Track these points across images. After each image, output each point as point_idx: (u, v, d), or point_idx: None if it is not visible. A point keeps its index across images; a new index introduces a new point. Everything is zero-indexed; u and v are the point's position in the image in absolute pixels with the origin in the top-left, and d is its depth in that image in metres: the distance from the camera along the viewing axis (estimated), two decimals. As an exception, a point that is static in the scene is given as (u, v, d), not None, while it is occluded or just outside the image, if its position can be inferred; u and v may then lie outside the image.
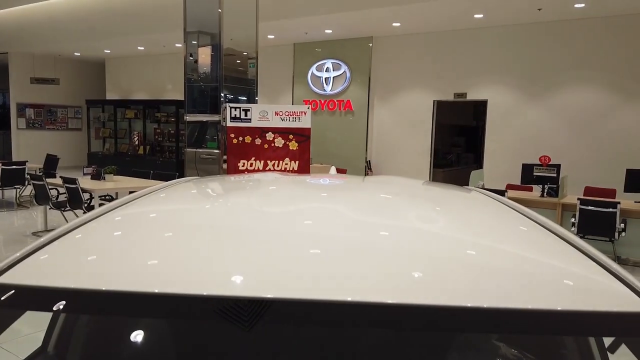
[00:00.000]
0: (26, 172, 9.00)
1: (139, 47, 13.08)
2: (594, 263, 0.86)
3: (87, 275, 0.78)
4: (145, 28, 10.89)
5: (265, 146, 4.83)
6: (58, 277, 0.79)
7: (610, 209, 5.81)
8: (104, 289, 0.73)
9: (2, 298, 0.77)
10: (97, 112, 15.16)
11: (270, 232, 0.93)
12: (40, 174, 7.78)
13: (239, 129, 4.81)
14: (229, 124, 4.84)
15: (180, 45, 12.28)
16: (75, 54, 14.57)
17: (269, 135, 4.83)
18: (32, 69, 14.51)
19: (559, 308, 0.71)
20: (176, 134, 13.43)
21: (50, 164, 10.02)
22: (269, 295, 0.68)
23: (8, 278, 0.79)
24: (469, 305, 0.69)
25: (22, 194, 9.74)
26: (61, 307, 0.75)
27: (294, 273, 0.75)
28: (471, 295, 0.71)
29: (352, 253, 0.83)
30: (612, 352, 0.97)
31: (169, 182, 1.53)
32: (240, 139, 4.81)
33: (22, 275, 0.81)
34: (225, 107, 4.95)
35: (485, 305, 0.69)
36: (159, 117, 13.79)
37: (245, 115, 4.80)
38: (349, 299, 0.68)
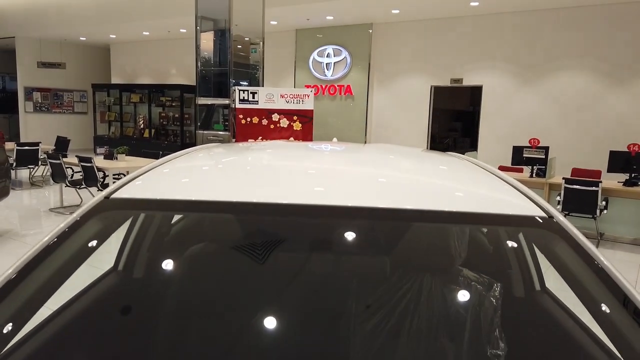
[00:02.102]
0: (40, 153, 9.39)
1: (144, 33, 13.35)
2: (517, 191, 1.26)
3: (179, 190, 1.18)
4: (151, 13, 11.16)
5: (272, 126, 5.21)
6: (153, 192, 1.19)
7: (592, 188, 6.21)
8: (193, 199, 1.13)
9: (118, 206, 1.18)
10: (103, 96, 15.49)
11: (302, 169, 1.33)
12: (55, 154, 8.14)
13: (247, 110, 5.19)
14: (238, 105, 5.22)
15: (184, 30, 12.58)
16: (81, 38, 14.84)
17: (275, 116, 5.21)
18: (39, 53, 14.80)
19: (482, 211, 1.11)
20: (180, 117, 13.77)
21: (61, 146, 10.40)
22: (333, 205, 1.08)
23: (121, 194, 1.20)
24: (422, 208, 1.09)
25: (35, 174, 10.14)
26: (160, 211, 1.15)
27: (334, 197, 1.15)
28: (423, 202, 1.11)
29: (354, 181, 1.23)
30: (511, 239, 1.37)
31: (207, 144, 1.93)
32: (248, 119, 5.19)
33: (128, 193, 1.21)
34: (234, 90, 5.33)
35: (428, 208, 1.09)
36: (163, 101, 14.11)
37: (253, 97, 5.17)
38: (354, 204, 1.09)
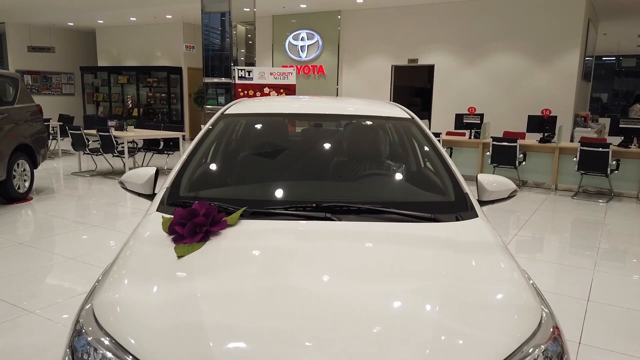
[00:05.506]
0: (50, 127, 10.60)
1: (131, 18, 14.45)
2: (404, 111, 2.87)
3: (253, 109, 2.76)
4: (140, 2, 12.31)
5: (264, 98, 6.72)
6: (240, 111, 2.76)
7: (513, 144, 7.98)
8: (263, 112, 2.72)
9: (229, 116, 2.76)
10: (90, 78, 16.52)
11: (306, 104, 2.92)
12: (76, 126, 9.41)
13: (245, 85, 6.67)
14: (237, 81, 6.69)
15: (170, 16, 13.78)
16: (69, 24, 15.79)
17: (266, 90, 6.71)
18: (28, 38, 15.71)
19: (383, 115, 2.73)
20: (167, 97, 15.02)
21: (66, 122, 11.60)
22: (319, 113, 2.69)
23: (229, 111, 2.77)
24: (353, 114, 2.70)
25: (43, 148, 11.33)
26: (247, 118, 2.75)
27: (319, 110, 2.74)
28: (353, 112, 2.73)
29: (330, 107, 2.84)
30: (398, 126, 2.99)
31: (243, 98, 3.50)
32: (246, 92, 6.68)
33: (231, 110, 2.78)
34: (234, 69, 6.80)
35: (359, 114, 2.70)
36: (150, 82, 15.29)
37: (249, 74, 6.65)
38: (333, 113, 2.69)
